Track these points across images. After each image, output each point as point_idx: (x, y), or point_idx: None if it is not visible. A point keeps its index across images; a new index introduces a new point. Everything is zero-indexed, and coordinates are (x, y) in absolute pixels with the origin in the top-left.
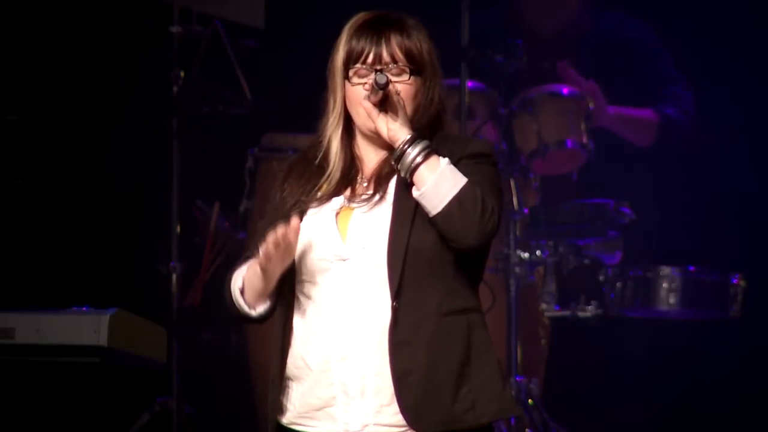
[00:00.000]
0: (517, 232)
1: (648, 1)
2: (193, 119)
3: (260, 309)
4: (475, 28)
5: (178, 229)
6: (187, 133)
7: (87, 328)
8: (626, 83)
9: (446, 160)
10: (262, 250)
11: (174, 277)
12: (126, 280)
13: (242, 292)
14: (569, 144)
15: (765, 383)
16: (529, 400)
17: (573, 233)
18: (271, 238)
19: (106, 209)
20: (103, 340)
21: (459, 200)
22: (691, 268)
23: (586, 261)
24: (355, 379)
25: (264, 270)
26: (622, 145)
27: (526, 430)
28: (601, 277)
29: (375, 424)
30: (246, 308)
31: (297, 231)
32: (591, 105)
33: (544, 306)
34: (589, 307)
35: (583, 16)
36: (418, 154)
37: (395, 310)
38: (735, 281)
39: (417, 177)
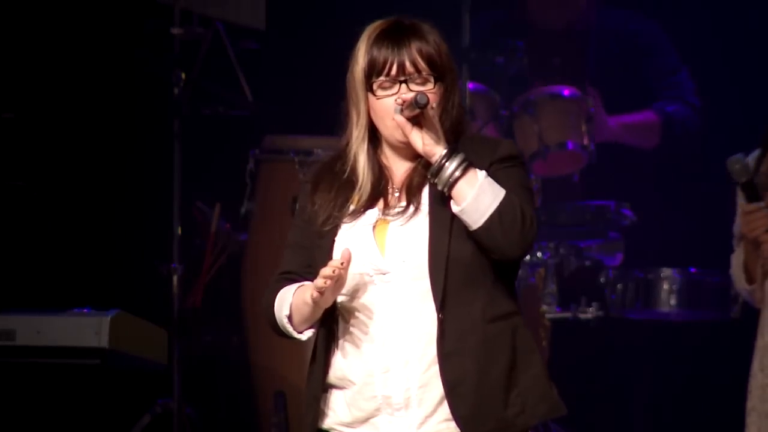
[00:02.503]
0: None
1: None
2: (194, 121)
3: (309, 333)
4: (483, 26)
5: (179, 230)
6: (188, 134)
7: (88, 329)
8: (630, 76)
9: (483, 173)
10: (315, 285)
11: (175, 278)
12: (127, 282)
13: (289, 318)
14: (570, 146)
15: None
16: None
17: (574, 235)
18: (326, 272)
19: (106, 210)
20: (104, 341)
21: (499, 214)
22: (692, 270)
23: (587, 262)
24: (398, 392)
25: (316, 302)
26: (623, 146)
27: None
28: (602, 279)
29: None
30: (294, 334)
31: (349, 261)
32: (592, 107)
33: (544, 307)
34: (590, 308)
35: (589, 12)
36: (456, 169)
37: (441, 322)
38: None
39: (456, 192)
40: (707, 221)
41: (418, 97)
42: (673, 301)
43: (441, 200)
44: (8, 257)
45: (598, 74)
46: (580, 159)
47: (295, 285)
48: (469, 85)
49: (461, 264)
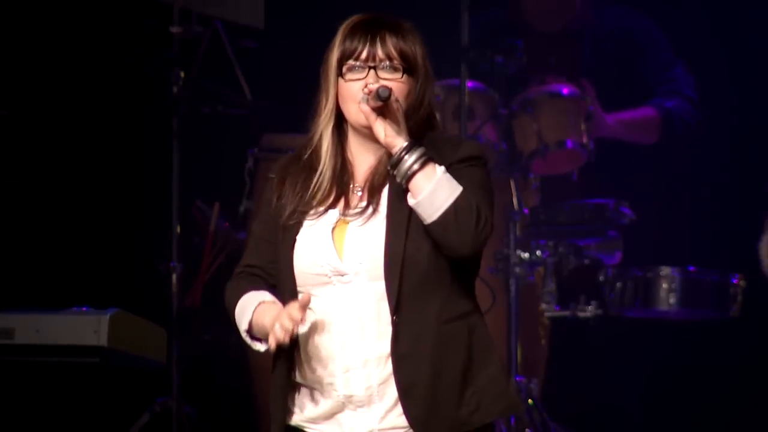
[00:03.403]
0: (517, 232)
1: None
2: (193, 119)
3: (265, 346)
4: (480, 26)
5: (178, 229)
6: (187, 133)
7: (87, 328)
8: (626, 73)
9: (442, 168)
10: (274, 335)
11: (174, 277)
12: (126, 281)
13: (248, 332)
14: (569, 144)
15: (765, 383)
16: (529, 400)
17: (573, 233)
18: (285, 323)
19: (105, 209)
20: (103, 340)
21: (454, 210)
22: (691, 269)
23: (586, 261)
24: (360, 390)
25: (276, 332)
26: (622, 145)
27: (526, 430)
28: (601, 278)
29: (380, 429)
30: (255, 346)
31: (306, 305)
32: (591, 105)
33: (544, 306)
34: (589, 307)
35: (584, 11)
36: (414, 162)
37: (395, 324)
38: (735, 281)
39: (413, 185)
40: (706, 220)
41: (380, 90)
42: (672, 300)
43: (400, 200)
44: (7, 256)
45: (594, 72)
46: (579, 157)
47: (256, 297)
48: (468, 84)
49: (417, 266)
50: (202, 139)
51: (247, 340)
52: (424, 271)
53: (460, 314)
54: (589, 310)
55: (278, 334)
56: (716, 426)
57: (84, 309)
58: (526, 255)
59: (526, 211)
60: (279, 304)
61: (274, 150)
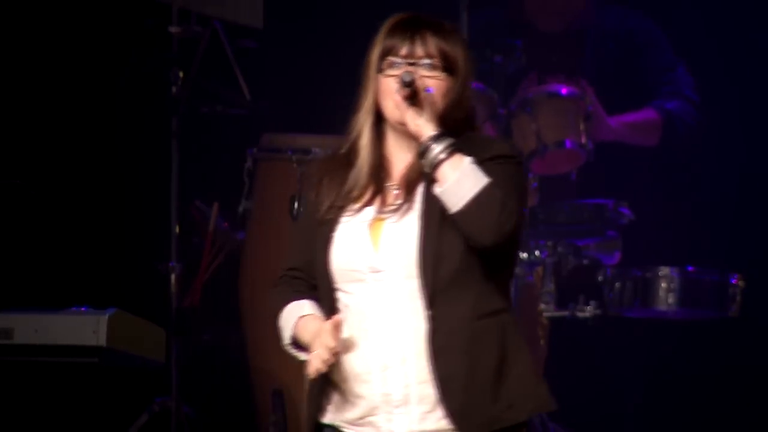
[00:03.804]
0: None
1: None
2: (191, 119)
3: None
4: (480, 25)
5: (177, 229)
6: (186, 133)
7: (86, 328)
8: (627, 74)
9: (469, 158)
10: (311, 368)
11: (173, 277)
12: (125, 281)
13: (292, 344)
14: (568, 144)
15: (764, 383)
16: None
17: (572, 233)
18: (322, 354)
19: (104, 209)
20: (101, 340)
21: (478, 199)
22: (690, 269)
23: (585, 261)
24: (398, 389)
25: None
26: (621, 145)
27: (525, 430)
28: (600, 278)
29: (419, 431)
30: (301, 356)
31: (339, 327)
32: (590, 105)
33: (542, 306)
34: (588, 307)
35: (586, 12)
36: (441, 151)
37: (432, 318)
38: (734, 281)
39: (439, 173)
40: (705, 220)
41: (403, 74)
42: (671, 300)
43: (433, 199)
44: (6, 256)
45: (595, 73)
46: (578, 157)
47: (296, 311)
48: None
49: (450, 261)
50: (201, 139)
51: (293, 352)
52: (457, 266)
53: (492, 311)
54: (588, 311)
55: (316, 365)
56: (716, 426)
57: (83, 309)
58: (524, 255)
59: (524, 211)
60: (318, 319)
61: (274, 150)
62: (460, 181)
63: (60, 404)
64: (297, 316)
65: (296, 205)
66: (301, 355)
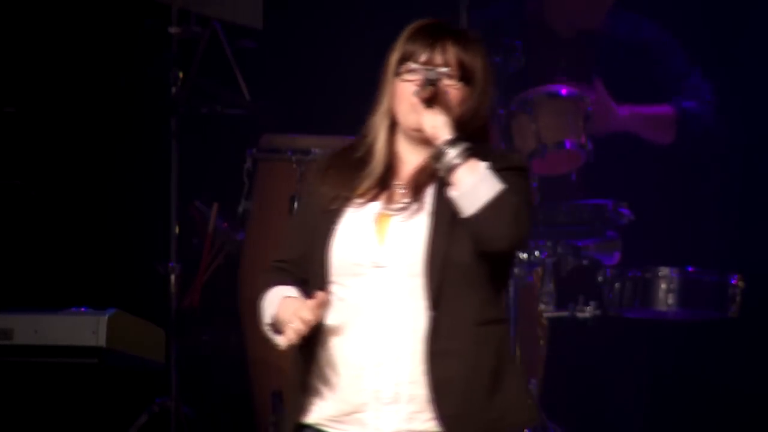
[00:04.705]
0: None
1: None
2: (191, 120)
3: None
4: (486, 22)
5: (177, 229)
6: (186, 133)
7: (85, 328)
8: (642, 85)
9: (485, 164)
10: (284, 338)
11: (172, 277)
12: (124, 281)
13: (271, 326)
14: (568, 145)
15: (764, 384)
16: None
17: (571, 234)
18: (297, 326)
19: (104, 209)
20: (101, 340)
21: (495, 204)
22: (690, 269)
23: (585, 261)
24: (389, 386)
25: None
26: (621, 145)
27: (525, 430)
28: (600, 278)
29: (407, 431)
30: (276, 341)
31: (323, 304)
32: (590, 106)
33: (542, 306)
34: (588, 307)
35: (603, 17)
36: (458, 155)
37: (433, 319)
38: (734, 282)
39: (455, 177)
40: (705, 220)
41: (428, 72)
42: (670, 300)
43: (445, 201)
44: (5, 256)
45: (607, 81)
46: (577, 158)
47: (281, 292)
48: None
49: (458, 265)
50: (200, 140)
51: (270, 334)
52: (465, 270)
53: (494, 319)
54: (588, 311)
55: (290, 335)
56: (716, 426)
57: (82, 309)
58: (524, 255)
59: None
60: (302, 300)
61: (273, 150)
62: (477, 185)
63: (60, 405)
64: (281, 297)
65: (296, 205)
66: (278, 339)
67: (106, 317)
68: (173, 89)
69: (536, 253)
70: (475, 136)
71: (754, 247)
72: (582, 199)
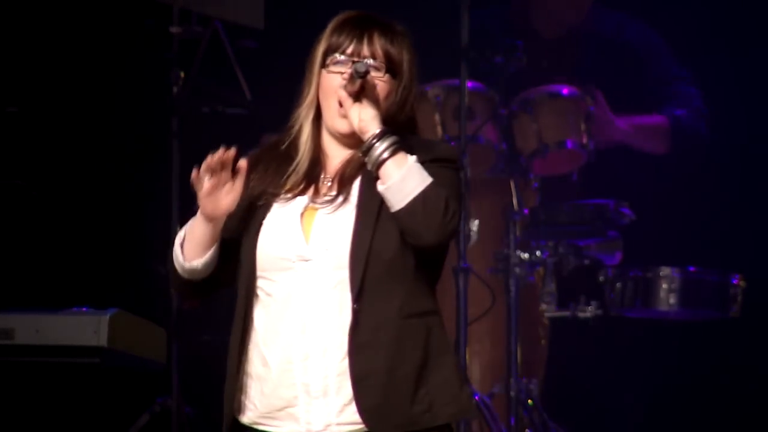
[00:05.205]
0: (517, 233)
1: (650, 1)
2: (192, 119)
3: (195, 262)
4: (476, 25)
5: (178, 229)
6: (187, 133)
7: (87, 328)
8: (629, 85)
9: (414, 158)
10: (202, 168)
11: None
12: (126, 281)
13: (182, 245)
14: (569, 144)
15: (765, 383)
16: (529, 401)
17: (573, 234)
18: (215, 155)
19: (105, 209)
20: (102, 340)
21: (423, 198)
22: (691, 269)
23: (586, 261)
24: (317, 379)
25: (205, 207)
26: (622, 145)
27: (526, 430)
28: (601, 278)
29: (337, 424)
30: (180, 258)
31: (243, 169)
32: (591, 106)
33: (544, 306)
34: (589, 307)
35: (587, 17)
36: (386, 149)
37: (356, 312)
38: (735, 282)
39: (383, 171)
40: (706, 220)
41: (357, 65)
42: (672, 300)
43: (371, 192)
44: (7, 256)
45: (593, 81)
46: (579, 158)
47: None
48: (468, 84)
49: (383, 258)
50: (201, 139)
51: (179, 258)
52: (389, 263)
53: (420, 312)
54: (589, 311)
55: (203, 184)
56: (716, 426)
57: (84, 309)
58: (526, 255)
59: (526, 211)
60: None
61: None
62: (405, 179)
63: (61, 405)
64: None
65: None
66: (184, 263)
67: (108, 317)
68: (174, 89)
69: (537, 252)
70: (403, 128)
71: (755, 247)
72: (583, 199)
